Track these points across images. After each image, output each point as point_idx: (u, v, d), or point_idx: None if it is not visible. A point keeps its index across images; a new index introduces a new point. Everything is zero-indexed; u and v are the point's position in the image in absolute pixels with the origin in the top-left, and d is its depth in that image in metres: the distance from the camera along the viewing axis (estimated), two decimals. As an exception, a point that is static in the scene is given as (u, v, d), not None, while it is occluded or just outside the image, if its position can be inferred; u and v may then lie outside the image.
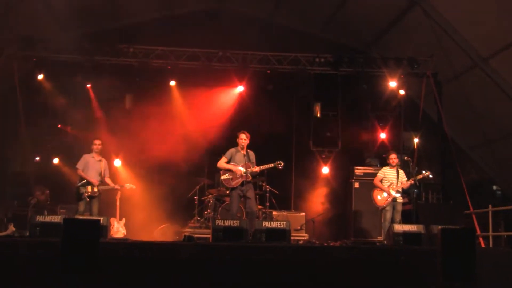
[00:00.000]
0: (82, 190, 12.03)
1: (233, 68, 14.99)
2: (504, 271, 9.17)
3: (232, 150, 11.69)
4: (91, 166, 12.31)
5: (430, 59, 14.84)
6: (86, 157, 12.39)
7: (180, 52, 14.78)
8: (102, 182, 12.26)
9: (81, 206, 12.03)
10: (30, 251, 8.63)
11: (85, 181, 12.14)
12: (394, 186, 11.98)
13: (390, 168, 12.24)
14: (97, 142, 12.50)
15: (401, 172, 12.27)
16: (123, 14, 16.25)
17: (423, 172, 12.12)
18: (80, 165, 12.32)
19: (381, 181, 12.20)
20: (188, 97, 15.47)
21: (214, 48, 14.77)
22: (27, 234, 10.36)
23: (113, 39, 15.04)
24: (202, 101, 15.55)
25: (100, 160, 12.48)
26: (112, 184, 12.44)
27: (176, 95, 15.35)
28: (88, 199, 12.00)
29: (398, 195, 11.98)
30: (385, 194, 12.01)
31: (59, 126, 15.03)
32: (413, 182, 12.05)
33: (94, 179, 12.16)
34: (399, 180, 12.05)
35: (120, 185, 12.56)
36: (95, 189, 12.09)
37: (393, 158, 12.21)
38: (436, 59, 14.80)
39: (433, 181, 12.95)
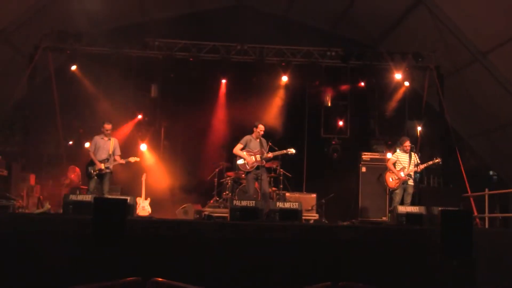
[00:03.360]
0: (90, 169, 11.84)
1: (250, 60, 14.96)
2: (498, 249, 9.16)
3: (248, 137, 11.75)
4: (102, 146, 12.00)
5: (433, 53, 14.79)
6: (96, 139, 12.11)
7: (202, 45, 14.79)
8: (109, 160, 11.91)
9: (91, 184, 11.80)
10: (64, 227, 8.73)
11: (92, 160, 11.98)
12: (406, 170, 11.92)
13: (403, 152, 12.15)
14: (107, 126, 12.06)
15: (414, 156, 12.05)
16: (150, 10, 16.35)
17: (434, 159, 12.04)
18: (91, 147, 12.13)
19: (394, 164, 12.15)
20: (210, 89, 15.61)
21: (233, 42, 14.79)
22: (61, 211, 10.43)
23: (140, 33, 15.04)
24: (220, 92, 15.66)
25: (109, 140, 12.12)
26: (119, 161, 12.04)
27: (200, 85, 15.31)
28: (96, 177, 11.81)
29: (409, 178, 11.90)
30: (396, 177, 12.00)
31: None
32: (425, 165, 11.98)
33: (100, 160, 11.89)
34: (411, 163, 11.93)
35: (126, 160, 12.12)
36: (102, 166, 11.83)
37: (407, 145, 12.05)
38: (438, 54, 14.78)
39: (434, 166, 12.92)
